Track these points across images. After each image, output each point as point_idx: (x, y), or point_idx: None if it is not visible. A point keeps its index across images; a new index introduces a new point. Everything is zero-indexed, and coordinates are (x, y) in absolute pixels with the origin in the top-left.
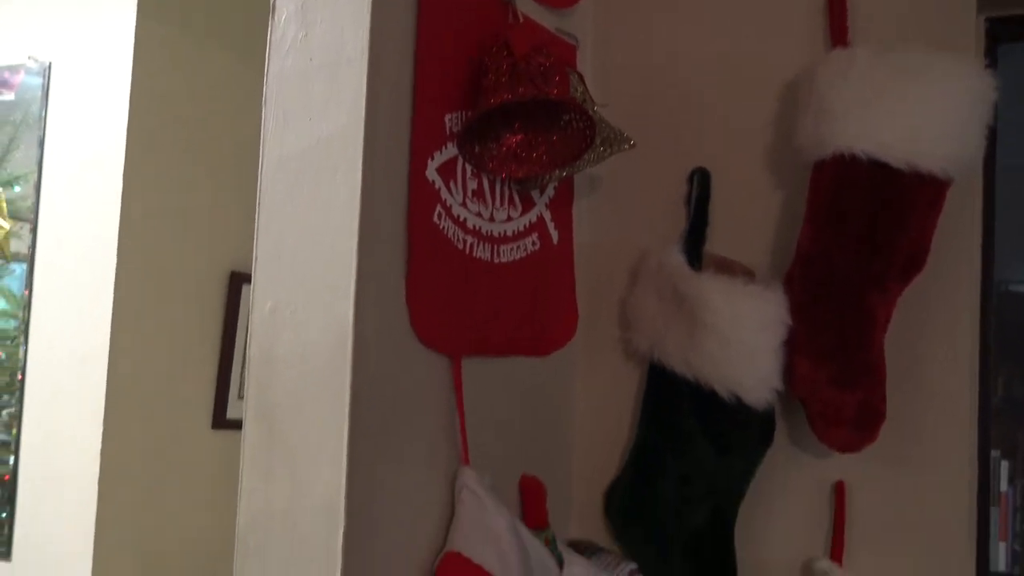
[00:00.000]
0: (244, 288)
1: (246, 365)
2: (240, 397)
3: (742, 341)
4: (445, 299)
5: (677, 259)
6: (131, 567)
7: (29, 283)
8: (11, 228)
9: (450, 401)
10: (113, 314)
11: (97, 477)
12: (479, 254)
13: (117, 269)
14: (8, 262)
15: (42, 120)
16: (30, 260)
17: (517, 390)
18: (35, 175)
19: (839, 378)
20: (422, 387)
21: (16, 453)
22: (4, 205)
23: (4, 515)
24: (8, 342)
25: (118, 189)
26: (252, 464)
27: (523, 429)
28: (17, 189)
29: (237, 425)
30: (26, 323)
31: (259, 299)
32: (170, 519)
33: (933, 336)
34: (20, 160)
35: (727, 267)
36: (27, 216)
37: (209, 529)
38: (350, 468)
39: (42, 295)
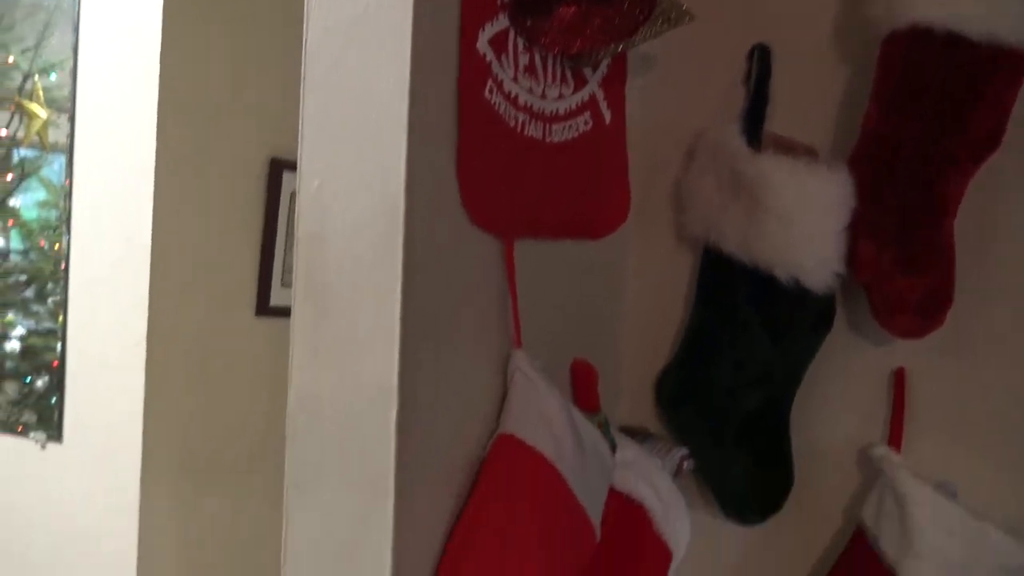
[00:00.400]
0: (285, 175)
1: (294, 245)
2: (283, 285)
3: (804, 223)
4: (497, 178)
5: (736, 139)
6: (179, 450)
7: (69, 173)
8: (49, 117)
9: (502, 283)
10: (155, 202)
11: (143, 363)
12: (531, 132)
13: (157, 156)
14: (47, 152)
15: (76, 4)
16: (69, 150)
17: (568, 274)
18: (71, 62)
19: (904, 263)
20: (473, 268)
21: (63, 340)
22: (41, 94)
23: (54, 400)
24: (50, 232)
25: (155, 74)
26: (302, 345)
27: (574, 313)
28: (53, 77)
29: (280, 313)
30: (68, 213)
31: (306, 176)
32: (216, 405)
33: (1006, 222)
34: (55, 47)
35: (789, 147)
36: (64, 105)
37: (254, 415)
38: (402, 348)
39: (83, 184)
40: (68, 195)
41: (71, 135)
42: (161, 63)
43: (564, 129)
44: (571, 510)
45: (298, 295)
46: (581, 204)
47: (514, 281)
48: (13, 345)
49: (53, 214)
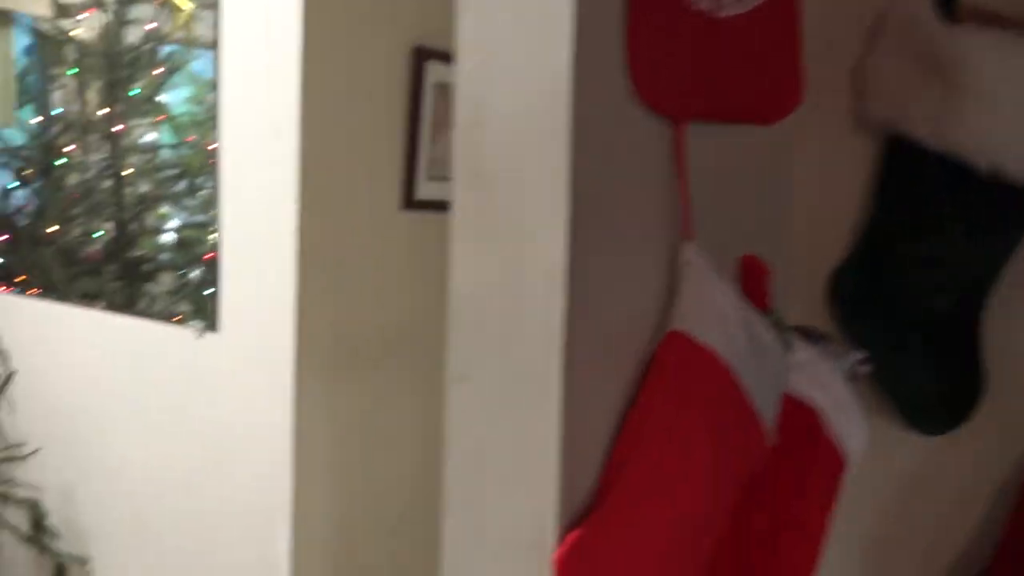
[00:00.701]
0: (428, 65)
1: (453, 130)
2: (428, 178)
3: (1010, 104)
4: (667, 56)
5: (929, 11)
6: (330, 340)
7: (217, 67)
8: (194, 11)
9: (669, 170)
10: (301, 92)
11: (295, 255)
12: (702, 5)
13: (302, 47)
14: (193, 46)
15: None
16: (215, 44)
17: (735, 162)
18: None
19: None
20: (641, 153)
21: (217, 232)
22: None
23: (210, 291)
24: (199, 126)
25: None
26: (465, 235)
27: (740, 206)
28: None
29: (425, 206)
30: (215, 106)
31: (465, 54)
32: (363, 298)
33: None
34: None
35: (992, 19)
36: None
37: (399, 309)
38: (570, 235)
39: (231, 78)
40: (216, 89)
41: (217, 28)
42: None
43: (736, 4)
44: (743, 412)
45: (459, 183)
46: (752, 85)
47: (684, 167)
48: (168, 237)
49: (201, 108)
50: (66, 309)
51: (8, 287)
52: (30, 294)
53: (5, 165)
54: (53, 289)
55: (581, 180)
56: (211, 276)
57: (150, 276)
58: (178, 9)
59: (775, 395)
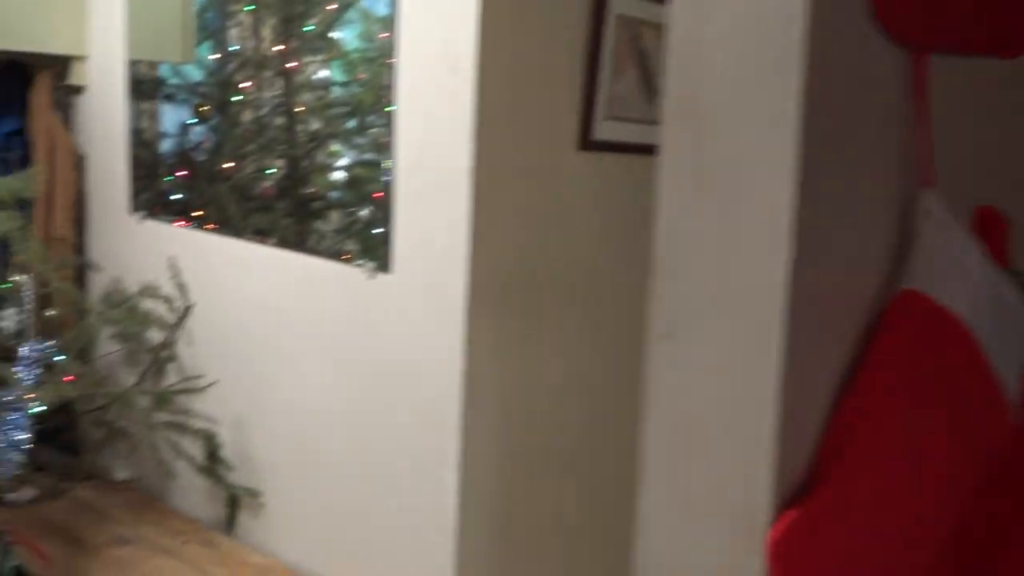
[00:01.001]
0: None
1: (662, 58)
2: (607, 118)
3: None
4: None
5: None
6: (502, 284)
7: (393, 2)
8: None
9: (908, 107)
10: (479, 25)
11: (468, 195)
12: None
13: None
14: None
15: None
16: None
17: (975, 100)
18: None
19: None
20: (879, 86)
21: (389, 172)
22: None
23: (381, 230)
24: (369, 63)
25: None
26: (675, 175)
27: (979, 150)
28: None
29: (604, 147)
30: (390, 43)
31: None
32: (537, 243)
33: None
34: None
35: None
36: None
37: (576, 257)
38: (799, 178)
39: (407, 15)
40: (392, 24)
41: None
42: None
43: None
44: (986, 384)
45: (669, 118)
46: (997, 13)
47: (925, 104)
48: (339, 175)
49: (372, 46)
50: (240, 244)
51: (186, 221)
52: (207, 229)
53: (184, 101)
54: (228, 224)
55: (812, 114)
56: (381, 215)
57: (320, 214)
58: None
59: (1020, 366)
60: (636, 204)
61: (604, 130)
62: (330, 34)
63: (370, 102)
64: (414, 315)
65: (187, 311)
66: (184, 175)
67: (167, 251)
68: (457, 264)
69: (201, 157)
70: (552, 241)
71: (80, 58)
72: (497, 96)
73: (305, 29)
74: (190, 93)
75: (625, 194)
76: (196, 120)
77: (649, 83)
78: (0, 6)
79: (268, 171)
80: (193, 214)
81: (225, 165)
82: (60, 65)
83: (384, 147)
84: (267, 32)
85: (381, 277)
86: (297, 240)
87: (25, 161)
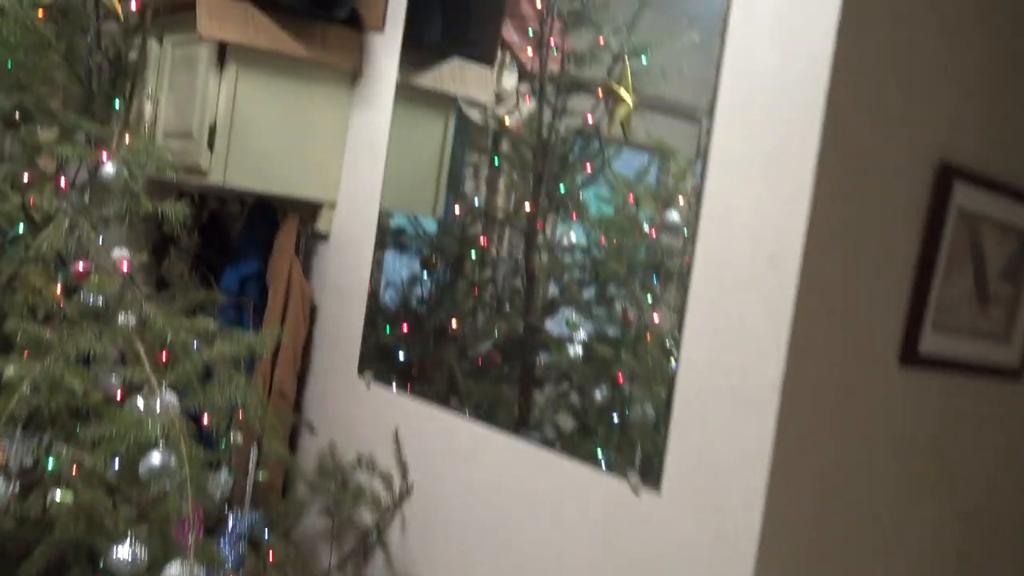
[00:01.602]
0: (955, 186)
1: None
2: (936, 328)
3: None
4: None
5: None
6: (805, 518)
7: (702, 174)
8: (634, 105)
9: None
10: (810, 211)
11: (774, 411)
12: None
13: (818, 155)
14: (625, 145)
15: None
16: (702, 151)
17: None
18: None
19: None
20: None
21: (672, 377)
22: (629, 78)
23: (651, 437)
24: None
25: (822, 76)
26: None
27: None
28: (644, 61)
29: (931, 364)
30: (695, 217)
31: None
32: (850, 471)
33: None
34: (648, 26)
35: None
36: (647, 94)
37: (889, 490)
38: None
39: (713, 189)
40: (699, 199)
41: (707, 132)
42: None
43: None
44: None
45: None
46: None
47: None
48: (576, 349)
49: (620, 210)
50: (468, 425)
51: (410, 386)
52: (431, 400)
53: (416, 252)
54: (452, 393)
55: None
56: (618, 402)
57: (561, 398)
58: (621, 102)
59: None
60: (962, 434)
61: (932, 343)
62: (580, 195)
63: (615, 271)
64: (686, 548)
65: (406, 494)
66: (405, 330)
67: (390, 420)
68: (752, 492)
69: (424, 311)
70: (863, 471)
71: (330, 204)
72: (817, 297)
73: (559, 190)
74: (423, 244)
75: (956, 425)
76: (424, 272)
77: (983, 289)
78: (262, 149)
79: (493, 335)
80: (416, 377)
81: (449, 324)
82: (309, 211)
83: (627, 323)
84: (512, 187)
85: (645, 495)
86: (527, 422)
87: (259, 308)
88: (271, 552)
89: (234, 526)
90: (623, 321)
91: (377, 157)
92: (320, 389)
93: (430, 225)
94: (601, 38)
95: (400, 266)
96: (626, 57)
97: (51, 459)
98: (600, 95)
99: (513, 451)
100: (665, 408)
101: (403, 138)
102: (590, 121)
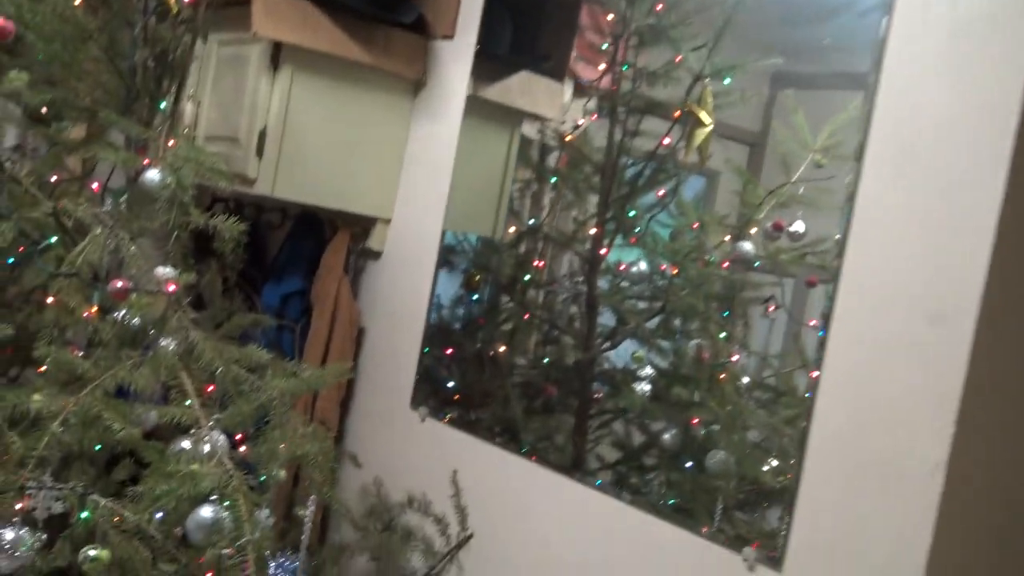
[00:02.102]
0: None
1: None
2: None
3: None
4: None
5: None
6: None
7: (847, 214)
8: (712, 129)
9: None
10: (991, 259)
11: (935, 494)
12: None
13: (1002, 206)
14: (701, 168)
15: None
16: (853, 194)
17: None
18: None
19: None
20: None
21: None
22: (710, 101)
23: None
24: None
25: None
26: None
27: None
28: (727, 82)
29: None
30: (837, 268)
31: None
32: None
33: None
34: (731, 48)
35: None
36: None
37: None
38: None
39: (864, 225)
40: (841, 245)
41: (855, 176)
42: None
43: None
44: None
45: None
46: None
47: None
48: (643, 387)
49: (688, 237)
50: (534, 469)
51: (466, 424)
52: (489, 437)
53: (464, 273)
54: (516, 432)
55: None
56: (693, 448)
57: (624, 438)
58: (700, 125)
59: None
60: None
61: None
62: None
63: (683, 300)
64: None
65: (464, 542)
66: (463, 361)
67: (445, 458)
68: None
69: (482, 338)
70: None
71: (384, 221)
72: (994, 362)
73: (628, 213)
74: (473, 265)
75: None
76: (471, 295)
77: None
78: (314, 159)
79: (544, 360)
80: (475, 414)
81: (508, 354)
82: (360, 226)
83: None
84: (572, 209)
85: (763, 571)
86: (579, 461)
87: (303, 330)
88: None
89: (275, 573)
90: (697, 358)
91: (441, 172)
92: (365, 419)
93: (474, 243)
94: (679, 57)
95: (451, 289)
96: (707, 79)
97: (86, 512)
98: (677, 116)
99: (591, 505)
100: (795, 478)
101: (469, 153)
102: (664, 143)
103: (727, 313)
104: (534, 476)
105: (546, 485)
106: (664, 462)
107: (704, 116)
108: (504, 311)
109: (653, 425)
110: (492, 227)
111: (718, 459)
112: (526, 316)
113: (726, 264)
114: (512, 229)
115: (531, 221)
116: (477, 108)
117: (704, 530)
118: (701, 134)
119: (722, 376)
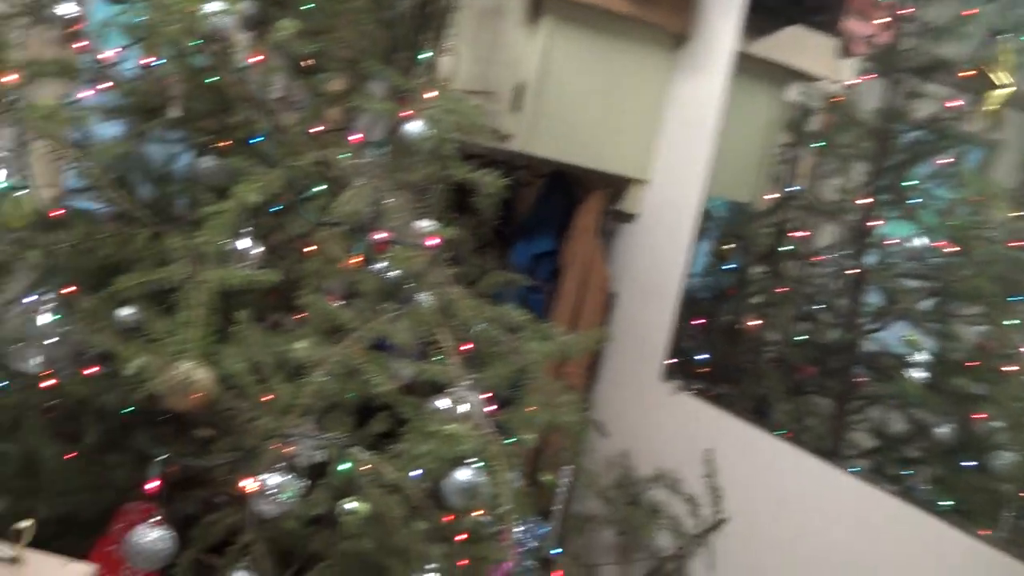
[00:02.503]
0: None
1: None
2: None
3: None
4: None
5: None
6: None
7: None
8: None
9: None
10: None
11: None
12: None
13: None
14: (991, 135)
15: None
16: None
17: None
18: None
19: None
20: None
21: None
22: (1011, 59)
23: None
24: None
25: None
26: None
27: None
28: None
29: None
30: None
31: None
32: None
33: None
34: None
35: None
36: None
37: None
38: None
39: None
40: None
41: None
42: None
43: None
44: None
45: None
46: None
47: None
48: (918, 374)
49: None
50: (778, 443)
51: (721, 400)
52: (747, 416)
53: (714, 240)
54: (758, 405)
55: None
56: (974, 445)
57: (882, 425)
58: (992, 87)
59: None
60: None
61: None
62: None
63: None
64: None
65: (717, 525)
66: (720, 334)
67: (697, 435)
68: None
69: (721, 304)
70: None
71: (640, 183)
72: None
73: (905, 183)
74: (728, 235)
75: None
76: (722, 263)
77: None
78: (572, 115)
79: (799, 338)
80: (732, 389)
81: (768, 330)
82: (614, 188)
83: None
84: (841, 176)
85: None
86: (837, 447)
87: (551, 291)
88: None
89: (522, 538)
90: (980, 347)
91: (704, 132)
92: (613, 388)
93: (723, 210)
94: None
95: (700, 257)
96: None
97: (348, 463)
98: (967, 77)
99: (851, 494)
100: None
101: (735, 113)
102: (951, 106)
103: (1015, 298)
104: (791, 459)
105: (803, 469)
106: (934, 456)
107: (1002, 76)
108: (756, 283)
109: (921, 415)
110: (752, 193)
111: (1005, 460)
112: (782, 289)
113: (1012, 244)
114: (771, 196)
115: (788, 188)
116: (744, 65)
117: (982, 533)
118: (997, 96)
119: (1011, 369)
